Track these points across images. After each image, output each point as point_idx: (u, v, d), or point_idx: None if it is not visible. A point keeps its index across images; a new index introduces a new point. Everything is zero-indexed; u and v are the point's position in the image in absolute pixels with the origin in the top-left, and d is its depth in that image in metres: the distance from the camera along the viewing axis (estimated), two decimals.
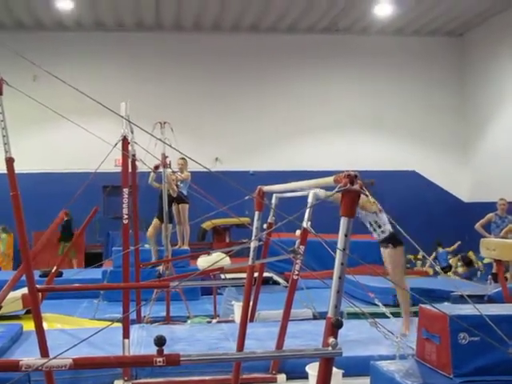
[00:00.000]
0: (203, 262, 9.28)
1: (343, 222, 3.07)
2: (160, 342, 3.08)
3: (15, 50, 5.09)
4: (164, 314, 9.53)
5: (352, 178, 3.02)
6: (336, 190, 3.05)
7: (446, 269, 16.29)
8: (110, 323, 4.54)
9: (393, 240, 7.40)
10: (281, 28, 19.37)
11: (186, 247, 12.04)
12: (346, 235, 3.05)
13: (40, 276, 11.09)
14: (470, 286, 11.97)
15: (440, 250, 16.76)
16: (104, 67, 18.86)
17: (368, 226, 7.44)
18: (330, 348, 3.02)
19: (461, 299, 8.35)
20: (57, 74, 5.43)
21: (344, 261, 3.04)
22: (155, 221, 11.56)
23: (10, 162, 4.75)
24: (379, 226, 7.37)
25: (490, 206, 13.70)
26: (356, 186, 3.01)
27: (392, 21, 18.42)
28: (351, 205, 3.04)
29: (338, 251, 3.04)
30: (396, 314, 7.07)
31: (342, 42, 19.77)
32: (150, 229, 11.48)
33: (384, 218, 7.28)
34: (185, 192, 11.83)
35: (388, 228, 7.35)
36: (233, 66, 19.40)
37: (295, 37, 19.56)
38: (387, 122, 19.78)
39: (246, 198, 5.21)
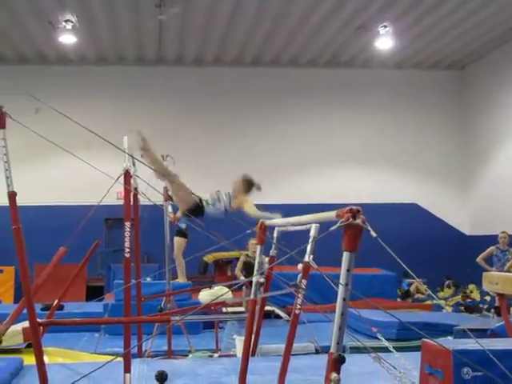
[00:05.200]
0: (205, 295, 9.27)
1: (345, 256, 3.07)
2: (161, 377, 3.07)
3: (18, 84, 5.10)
4: (165, 347, 9.48)
5: (354, 212, 3.02)
6: (338, 224, 3.05)
7: (407, 293, 17.15)
8: (111, 358, 4.53)
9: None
10: (282, 62, 19.50)
11: (180, 281, 11.94)
12: (348, 270, 3.05)
13: (41, 309, 11.03)
14: (473, 320, 11.92)
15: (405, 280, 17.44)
16: (107, 101, 18.95)
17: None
18: None
19: (464, 333, 8.31)
20: (59, 107, 5.46)
21: (346, 296, 3.03)
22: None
23: (12, 195, 4.77)
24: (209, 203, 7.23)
25: (491, 239, 13.69)
26: (358, 221, 3.02)
27: (393, 54, 18.54)
28: (354, 239, 3.04)
29: (340, 286, 3.04)
30: (399, 349, 7.02)
31: (342, 75, 19.89)
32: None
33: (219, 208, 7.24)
34: (183, 225, 11.83)
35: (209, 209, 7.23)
36: (234, 99, 19.49)
37: (296, 70, 19.67)
38: (389, 154, 19.82)
39: (248, 231, 5.21)
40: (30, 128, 5.19)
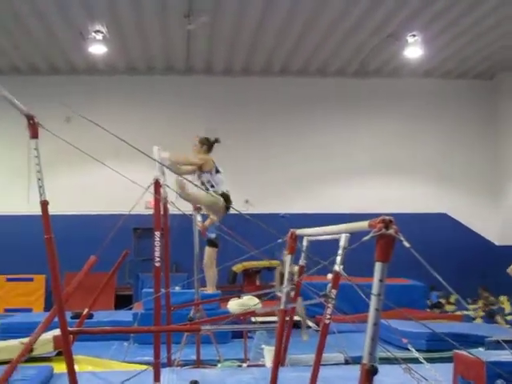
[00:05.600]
0: (234, 305, 9.25)
1: (378, 266, 3.04)
2: None
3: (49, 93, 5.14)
4: (194, 357, 9.49)
5: (387, 222, 3.00)
6: (371, 234, 3.03)
7: (437, 305, 17.08)
8: (140, 367, 4.54)
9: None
10: (310, 71, 19.50)
11: (209, 291, 11.88)
12: (381, 280, 3.03)
13: (71, 317, 11.09)
14: (504, 332, 11.78)
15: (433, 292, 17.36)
16: (136, 110, 19.06)
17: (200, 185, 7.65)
18: None
19: (496, 345, 8.21)
20: (88, 115, 5.50)
21: (379, 307, 3.01)
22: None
23: (44, 205, 4.78)
24: (212, 186, 7.63)
25: None
26: (391, 231, 2.99)
27: (421, 63, 18.43)
28: (386, 250, 3.02)
29: (372, 297, 3.02)
30: (429, 360, 6.95)
31: (371, 84, 19.85)
32: None
33: (219, 177, 7.64)
34: (212, 235, 11.76)
35: (221, 188, 7.63)
36: (262, 108, 19.53)
37: (324, 80, 19.67)
38: (418, 164, 19.74)
39: (279, 241, 5.20)
40: (61, 137, 5.22)
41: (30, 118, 4.71)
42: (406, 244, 3.01)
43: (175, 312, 9.46)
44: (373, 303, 3.03)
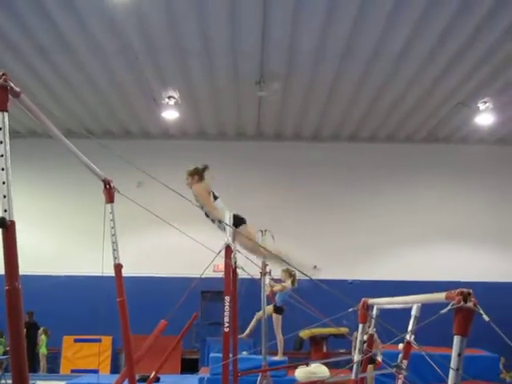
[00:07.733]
0: (302, 372, 9.11)
1: (456, 340, 2.97)
2: None
3: (123, 158, 5.23)
4: None
5: (465, 295, 2.95)
6: (449, 307, 2.97)
7: None
8: None
9: None
10: (379, 137, 19.50)
11: (277, 358, 11.70)
12: (459, 354, 2.95)
13: (138, 381, 11.04)
14: None
15: None
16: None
17: None
18: None
19: None
20: (160, 180, 5.57)
21: (458, 382, 2.94)
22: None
23: (118, 268, 4.84)
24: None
25: None
26: (470, 304, 2.93)
27: (493, 130, 18.24)
28: (465, 323, 2.95)
29: (451, 372, 2.94)
30: None
31: (440, 150, 19.72)
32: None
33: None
34: (278, 302, 11.64)
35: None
36: (331, 174, 19.56)
37: (393, 146, 19.64)
38: (492, 231, 19.31)
39: (350, 310, 5.13)
40: (135, 202, 5.30)
41: (106, 182, 4.82)
42: (486, 318, 2.94)
43: (241, 378, 9.36)
44: (451, 378, 2.96)
